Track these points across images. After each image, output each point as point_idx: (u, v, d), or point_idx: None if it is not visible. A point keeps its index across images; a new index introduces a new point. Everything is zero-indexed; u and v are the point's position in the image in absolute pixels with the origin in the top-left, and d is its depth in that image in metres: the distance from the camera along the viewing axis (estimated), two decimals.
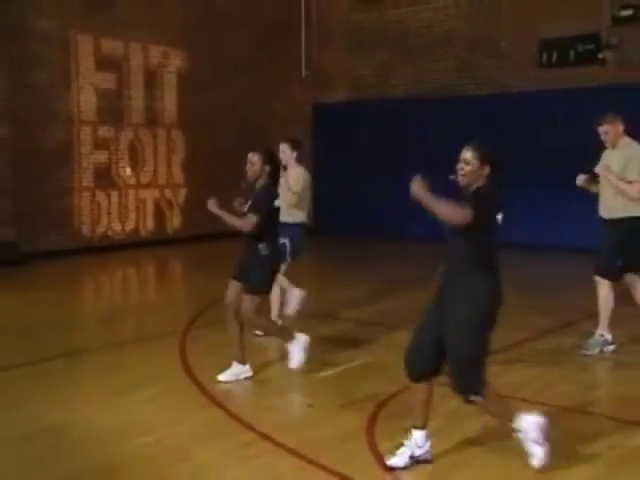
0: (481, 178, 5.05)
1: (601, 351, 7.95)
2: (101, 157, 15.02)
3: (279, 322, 8.21)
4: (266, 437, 5.59)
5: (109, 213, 15.20)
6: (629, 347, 8.17)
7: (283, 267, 8.41)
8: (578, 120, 13.63)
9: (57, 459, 5.35)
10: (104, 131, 15.03)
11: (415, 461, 5.12)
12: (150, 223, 15.92)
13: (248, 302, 6.94)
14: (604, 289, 8.05)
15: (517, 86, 14.70)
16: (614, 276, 8.04)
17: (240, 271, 7.07)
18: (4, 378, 7.16)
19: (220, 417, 6.07)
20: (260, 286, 7.04)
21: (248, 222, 6.85)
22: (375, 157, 16.47)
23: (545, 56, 14.03)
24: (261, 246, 6.96)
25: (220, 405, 6.29)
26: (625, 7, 13.49)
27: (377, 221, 15.95)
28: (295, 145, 8.82)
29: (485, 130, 14.64)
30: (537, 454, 4.98)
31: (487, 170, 5.05)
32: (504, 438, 5.44)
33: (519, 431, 5.03)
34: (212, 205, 6.90)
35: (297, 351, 7.13)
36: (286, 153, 8.58)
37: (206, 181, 15.60)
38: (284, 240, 8.25)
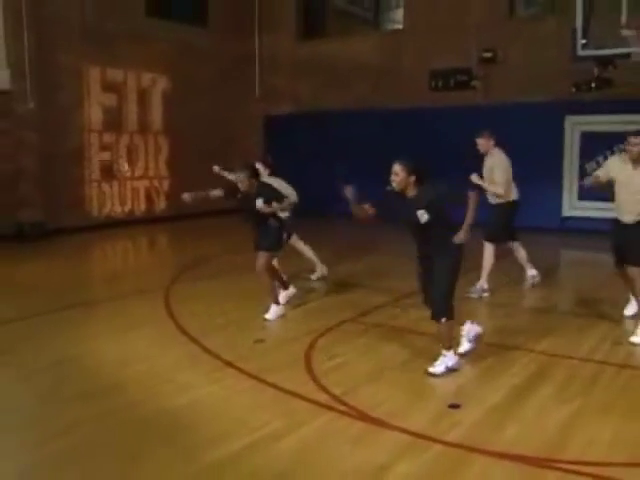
0: (410, 184, 5.31)
1: (480, 297, 8.16)
2: (105, 156, 14.78)
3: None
4: (230, 364, 5.68)
5: (111, 198, 15.02)
6: (504, 292, 8.40)
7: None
8: (457, 129, 13.88)
9: (76, 380, 5.42)
10: (107, 137, 14.77)
11: (449, 370, 5.42)
12: (142, 206, 15.70)
13: (262, 258, 7.15)
14: (489, 251, 8.25)
15: (414, 103, 14.79)
16: (498, 242, 8.29)
17: (258, 242, 7.22)
18: (36, 322, 7.14)
19: (195, 350, 6.12)
20: (272, 246, 7.22)
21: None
22: (312, 155, 16.45)
23: (434, 82, 14.16)
24: (271, 221, 7.14)
25: (195, 341, 6.34)
26: (487, 50, 13.79)
27: (313, 203, 15.95)
28: (267, 165, 8.75)
29: (391, 135, 14.84)
30: (465, 345, 5.75)
31: (413, 178, 5.30)
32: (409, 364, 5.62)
33: (464, 329, 5.69)
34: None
35: (275, 311, 7.21)
36: (262, 171, 8.59)
37: (185, 173, 15.45)
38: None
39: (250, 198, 7.05)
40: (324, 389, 5.08)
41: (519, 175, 8.30)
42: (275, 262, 8.66)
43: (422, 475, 3.87)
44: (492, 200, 8.18)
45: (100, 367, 5.75)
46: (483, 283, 8.23)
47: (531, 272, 8.63)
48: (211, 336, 6.56)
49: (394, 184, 5.30)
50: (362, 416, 4.62)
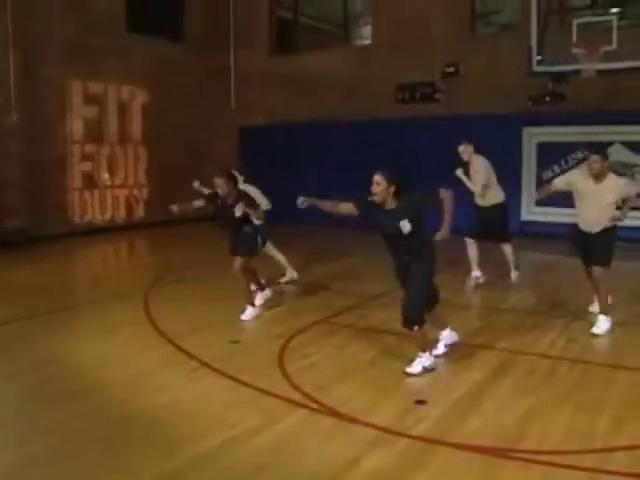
0: (390, 195, 5.22)
1: (476, 284, 8.72)
2: (87, 166, 14.64)
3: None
4: (206, 365, 5.67)
5: (92, 206, 14.88)
6: (465, 293, 8.44)
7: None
8: (422, 139, 14.00)
9: (60, 380, 5.39)
10: (89, 147, 14.64)
11: (425, 370, 5.39)
12: (122, 213, 15.57)
13: (239, 262, 7.19)
14: (472, 246, 8.78)
15: (382, 115, 14.89)
16: (479, 238, 8.73)
17: (234, 248, 7.26)
18: (20, 325, 7.08)
19: (173, 351, 6.11)
20: (248, 251, 7.26)
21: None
22: (284, 164, 16.47)
23: (400, 95, 14.21)
24: (246, 228, 7.18)
25: (173, 343, 6.32)
26: (449, 65, 13.86)
27: (286, 210, 15.93)
28: (241, 172, 8.83)
29: (360, 144, 14.91)
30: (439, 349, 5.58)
31: (393, 189, 5.20)
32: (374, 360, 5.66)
33: (420, 356, 5.38)
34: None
35: (251, 312, 7.25)
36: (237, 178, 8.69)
37: (163, 183, 15.38)
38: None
39: (228, 204, 7.05)
40: (297, 387, 5.10)
41: None
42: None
43: (390, 467, 3.91)
44: (481, 202, 8.68)
45: (83, 368, 5.72)
46: (476, 272, 8.79)
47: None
48: (188, 337, 6.54)
49: (375, 195, 5.18)
50: (333, 412, 4.66)
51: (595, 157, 6.56)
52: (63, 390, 5.13)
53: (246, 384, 5.19)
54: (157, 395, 5.03)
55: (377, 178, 5.17)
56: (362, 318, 7.22)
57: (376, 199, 5.22)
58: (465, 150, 8.56)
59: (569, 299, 7.78)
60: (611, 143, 12.74)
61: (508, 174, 13.38)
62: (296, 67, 16.71)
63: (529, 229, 13.17)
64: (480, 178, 8.47)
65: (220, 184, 6.99)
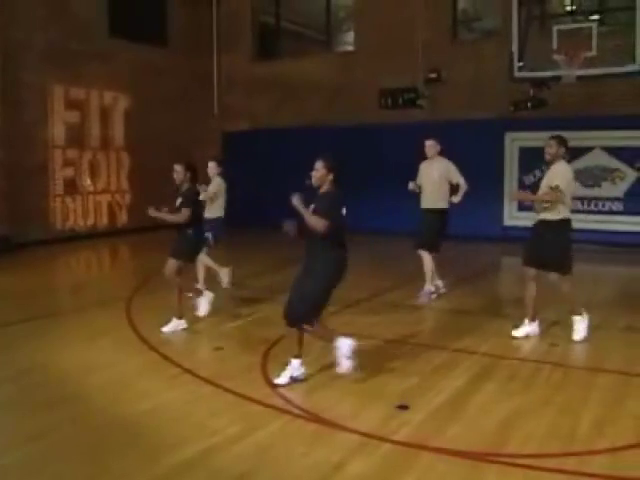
0: (327, 181, 5.26)
1: (429, 300, 8.30)
2: (69, 172, 14.58)
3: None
4: (188, 371, 5.66)
5: (75, 212, 14.81)
6: (447, 297, 8.51)
7: (206, 250, 8.44)
8: (403, 143, 14.03)
9: (42, 388, 5.37)
10: (71, 153, 14.59)
11: (293, 380, 5.29)
12: (105, 219, 15.50)
13: (171, 264, 6.99)
14: (427, 258, 8.39)
15: (365, 120, 14.95)
16: (435, 249, 8.40)
17: (172, 249, 7.08)
18: (5, 332, 7.05)
19: (155, 358, 6.09)
20: (183, 254, 7.07)
21: (183, 215, 6.89)
22: (267, 169, 16.50)
23: (383, 100, 14.22)
24: (189, 231, 7.00)
25: (155, 349, 6.30)
26: (432, 71, 13.88)
27: (267, 215, 15.90)
28: (220, 163, 8.89)
29: (343, 149, 14.88)
30: (343, 365, 5.18)
31: (331, 176, 5.26)
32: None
33: (337, 347, 5.22)
34: (152, 211, 6.88)
35: (204, 303, 7.26)
36: (214, 169, 8.67)
37: (145, 188, 15.31)
38: (207, 233, 8.25)
39: (177, 193, 7.06)
40: (279, 393, 5.10)
41: None
42: (209, 261, 8.66)
43: (373, 472, 3.92)
44: (428, 205, 8.37)
45: (65, 375, 5.69)
46: (430, 287, 8.38)
47: (436, 282, 8.52)
48: (171, 344, 6.52)
49: (313, 179, 5.25)
50: (316, 418, 4.66)
51: (550, 141, 6.37)
52: (47, 397, 5.11)
53: (229, 390, 5.18)
54: (140, 402, 5.01)
55: (317, 164, 5.25)
56: (345, 324, 7.20)
57: (313, 182, 5.27)
58: (432, 147, 8.37)
59: (550, 303, 7.82)
60: (591, 148, 12.90)
61: (491, 179, 13.55)
62: (279, 73, 16.74)
63: (511, 234, 13.25)
64: (457, 175, 8.37)
65: (177, 169, 7.01)
